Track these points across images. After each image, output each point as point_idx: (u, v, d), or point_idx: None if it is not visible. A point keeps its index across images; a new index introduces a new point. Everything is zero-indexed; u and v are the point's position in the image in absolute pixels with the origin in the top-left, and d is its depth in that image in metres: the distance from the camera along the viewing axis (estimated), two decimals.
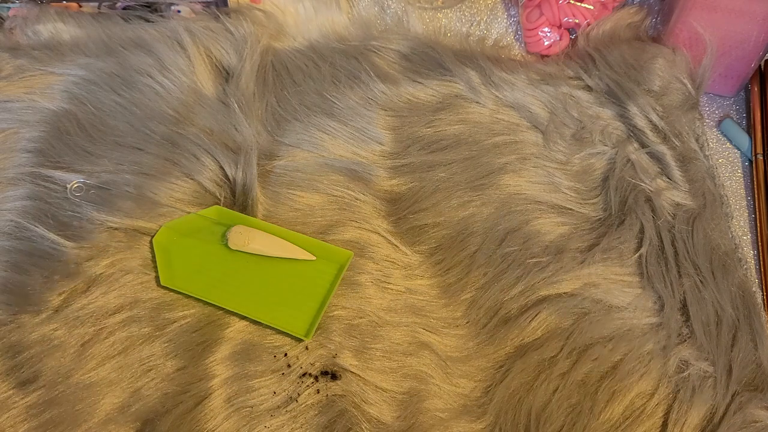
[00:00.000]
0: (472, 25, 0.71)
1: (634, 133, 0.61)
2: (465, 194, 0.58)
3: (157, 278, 0.54)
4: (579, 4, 0.67)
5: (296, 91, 0.63)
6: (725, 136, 0.66)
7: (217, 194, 0.58)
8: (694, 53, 0.64)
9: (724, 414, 0.50)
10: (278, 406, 0.50)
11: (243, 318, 0.53)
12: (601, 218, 0.58)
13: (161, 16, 0.67)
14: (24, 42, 0.67)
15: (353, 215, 0.57)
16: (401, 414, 0.50)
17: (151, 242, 0.55)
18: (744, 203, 0.62)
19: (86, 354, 0.51)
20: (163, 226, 0.56)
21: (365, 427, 0.49)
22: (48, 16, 0.66)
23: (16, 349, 0.50)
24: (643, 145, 0.60)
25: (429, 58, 0.65)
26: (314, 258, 0.55)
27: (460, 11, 0.72)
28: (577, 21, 0.67)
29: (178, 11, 0.68)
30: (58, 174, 0.58)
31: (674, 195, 0.58)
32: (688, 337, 0.53)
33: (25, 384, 0.50)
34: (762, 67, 0.67)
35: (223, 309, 0.53)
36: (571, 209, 0.58)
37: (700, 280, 0.54)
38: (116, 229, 0.55)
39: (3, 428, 0.48)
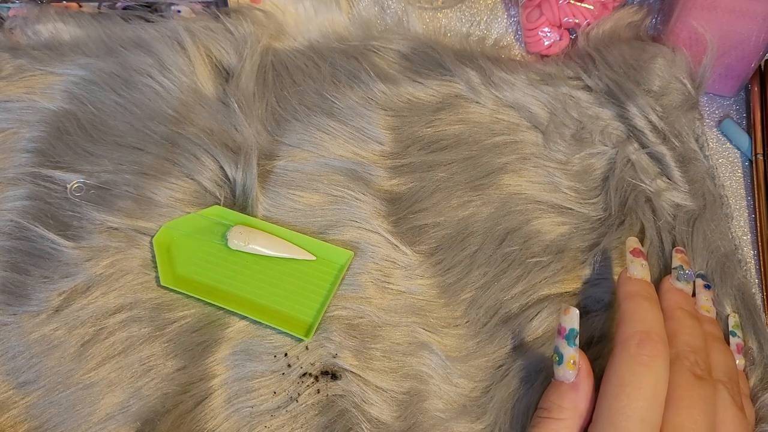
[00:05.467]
0: (472, 25, 0.71)
1: (634, 133, 0.61)
2: (465, 194, 0.58)
3: (157, 278, 0.54)
4: (579, 4, 0.67)
5: (296, 91, 0.63)
6: (725, 136, 0.66)
7: (217, 194, 0.58)
8: (694, 53, 0.64)
9: None
10: (278, 407, 0.50)
11: (243, 318, 0.53)
12: (601, 218, 0.58)
13: (161, 16, 0.67)
14: (24, 42, 0.66)
15: (353, 215, 0.57)
16: (401, 414, 0.50)
17: (151, 242, 0.55)
18: (744, 203, 0.62)
19: (86, 354, 0.51)
20: (163, 226, 0.56)
21: (365, 427, 0.49)
22: (48, 16, 0.66)
23: (16, 349, 0.50)
24: (643, 146, 0.60)
25: (429, 58, 0.65)
26: (314, 258, 0.55)
27: (460, 11, 0.72)
28: (577, 21, 0.67)
29: (178, 11, 0.68)
30: (58, 174, 0.58)
31: (674, 196, 0.58)
32: None
33: (25, 384, 0.50)
34: (762, 67, 0.67)
35: (223, 309, 0.53)
36: (571, 209, 0.58)
37: None
38: (116, 229, 0.55)
39: (3, 428, 0.48)
